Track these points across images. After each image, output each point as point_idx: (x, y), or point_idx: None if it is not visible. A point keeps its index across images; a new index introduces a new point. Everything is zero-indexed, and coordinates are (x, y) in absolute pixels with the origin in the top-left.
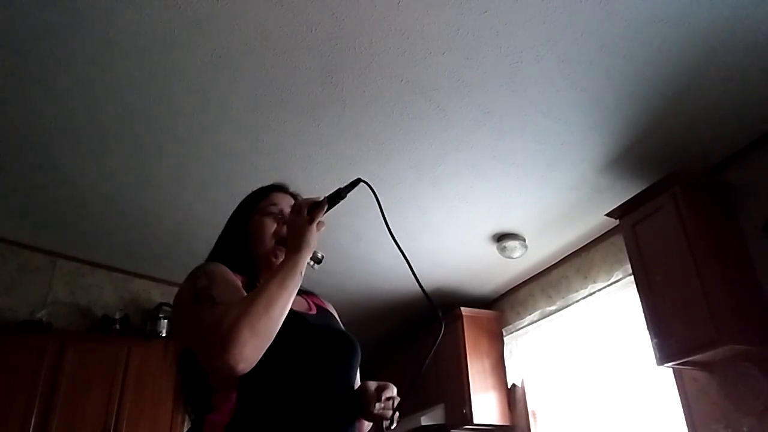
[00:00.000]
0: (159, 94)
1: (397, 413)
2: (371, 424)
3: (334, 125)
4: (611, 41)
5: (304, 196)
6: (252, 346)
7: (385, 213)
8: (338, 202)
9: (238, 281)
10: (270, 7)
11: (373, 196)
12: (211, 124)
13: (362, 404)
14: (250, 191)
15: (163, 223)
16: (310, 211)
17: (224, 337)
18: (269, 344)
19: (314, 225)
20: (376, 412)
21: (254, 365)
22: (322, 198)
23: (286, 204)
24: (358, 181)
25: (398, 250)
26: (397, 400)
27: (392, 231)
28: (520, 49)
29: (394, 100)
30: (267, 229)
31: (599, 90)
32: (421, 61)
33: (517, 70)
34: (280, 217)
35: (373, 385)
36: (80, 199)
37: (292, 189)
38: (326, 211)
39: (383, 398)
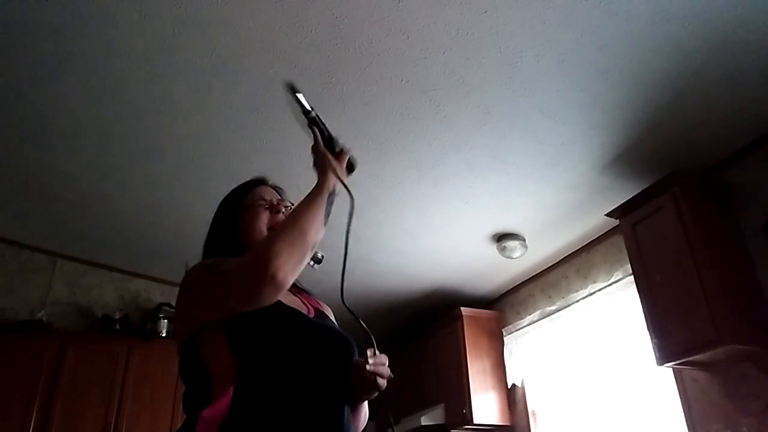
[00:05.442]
0: (159, 94)
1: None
2: (365, 423)
3: (334, 125)
4: (611, 41)
5: (303, 197)
6: (287, 256)
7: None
8: (312, 114)
9: None
10: (270, 7)
11: (296, 100)
12: (211, 124)
13: (355, 378)
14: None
15: (163, 223)
16: (317, 142)
17: (260, 255)
18: (304, 263)
19: (323, 149)
20: (369, 370)
21: (291, 283)
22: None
23: (271, 195)
24: (289, 87)
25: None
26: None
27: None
28: (520, 49)
29: (394, 100)
30: (261, 220)
31: (599, 90)
32: (421, 61)
33: (517, 70)
34: (269, 208)
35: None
36: (80, 199)
37: (271, 182)
38: (320, 129)
39: (369, 356)
